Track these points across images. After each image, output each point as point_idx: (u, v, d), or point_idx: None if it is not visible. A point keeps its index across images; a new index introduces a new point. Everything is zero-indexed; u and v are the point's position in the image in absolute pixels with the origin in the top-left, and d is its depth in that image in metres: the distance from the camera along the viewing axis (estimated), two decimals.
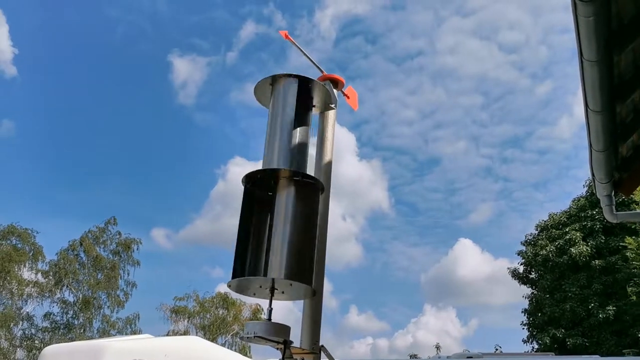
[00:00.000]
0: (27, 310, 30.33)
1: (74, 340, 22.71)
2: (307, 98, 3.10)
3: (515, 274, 23.70)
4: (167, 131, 46.93)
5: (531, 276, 23.35)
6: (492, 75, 47.18)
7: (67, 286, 30.41)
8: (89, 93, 45.01)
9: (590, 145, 4.33)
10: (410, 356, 24.33)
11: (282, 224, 2.68)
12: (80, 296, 30.40)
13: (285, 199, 2.74)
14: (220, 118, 47.98)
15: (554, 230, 22.40)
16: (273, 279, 2.62)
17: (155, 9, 46.30)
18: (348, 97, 3.53)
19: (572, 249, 20.66)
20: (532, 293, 22.84)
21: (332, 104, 3.33)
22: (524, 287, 23.48)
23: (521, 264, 23.53)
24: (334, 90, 3.37)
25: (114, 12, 46.44)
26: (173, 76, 46.13)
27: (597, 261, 20.32)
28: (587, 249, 20.44)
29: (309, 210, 2.77)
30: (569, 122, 41.67)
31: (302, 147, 2.98)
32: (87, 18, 45.36)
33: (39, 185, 43.82)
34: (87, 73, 45.55)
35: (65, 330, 29.78)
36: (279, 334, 2.61)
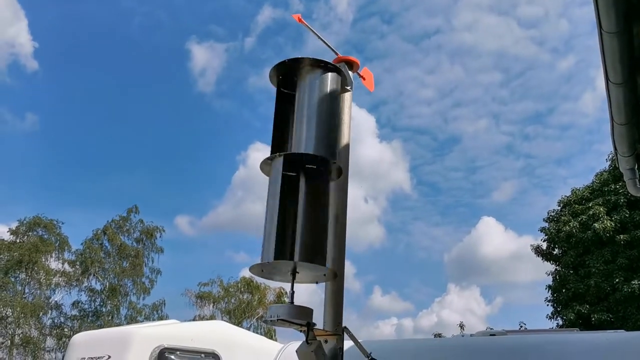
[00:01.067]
0: (56, 300, 31.03)
1: (103, 328, 23.15)
2: (330, 82, 3.09)
3: (538, 250, 23.50)
4: (187, 119, 47.28)
5: (555, 252, 23.15)
6: (512, 52, 46.47)
7: (94, 275, 30.99)
8: (109, 84, 45.47)
9: (612, 119, 4.26)
10: (434, 335, 24.41)
11: (301, 208, 2.70)
12: (107, 284, 30.96)
13: (302, 183, 2.76)
14: (240, 104, 48.10)
15: (576, 206, 22.13)
16: (295, 263, 2.64)
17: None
18: (364, 79, 3.51)
19: (595, 224, 20.40)
20: (556, 269, 22.65)
21: (348, 86, 3.31)
22: (547, 263, 23.31)
23: (544, 241, 23.33)
24: (350, 72, 3.35)
25: (129, 3, 46.60)
26: (192, 64, 46.39)
27: (621, 236, 20.05)
28: (611, 224, 20.17)
29: (324, 194, 2.78)
30: (592, 96, 40.97)
31: (332, 130, 2.98)
32: (103, 10, 45.68)
33: (62, 177, 44.56)
34: (106, 64, 46.02)
35: (93, 318, 30.40)
36: (301, 317, 2.63)
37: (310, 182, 2.76)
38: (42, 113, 43.05)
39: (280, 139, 3.01)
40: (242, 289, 32.26)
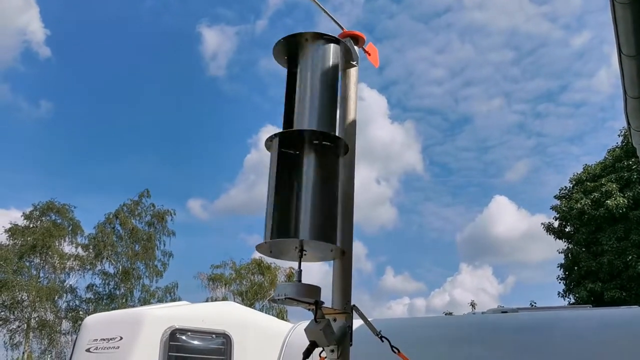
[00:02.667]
0: (70, 283, 31.41)
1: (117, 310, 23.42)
2: (332, 56, 3.02)
3: (550, 228, 23.38)
4: (199, 102, 47.33)
5: (567, 230, 23.03)
6: (523, 29, 45.91)
7: (107, 258, 31.30)
8: (120, 69, 45.59)
9: (625, 92, 4.17)
10: (445, 313, 24.47)
11: (306, 185, 2.66)
12: (120, 267, 31.28)
13: (306, 160, 2.71)
14: (250, 87, 48.02)
15: (588, 183, 21.95)
16: (301, 241, 2.60)
17: None
18: (369, 54, 3.44)
19: (608, 201, 20.24)
20: (568, 247, 22.55)
21: (353, 61, 3.25)
22: (559, 242, 23.21)
23: (556, 219, 23.19)
24: (355, 47, 3.28)
25: None
26: (203, 48, 46.31)
27: (634, 212, 19.89)
28: (623, 201, 20.00)
29: (328, 171, 2.73)
30: (606, 73, 40.42)
31: (332, 106, 2.92)
32: None
33: (76, 162, 44.94)
34: (118, 49, 46.04)
35: (107, 301, 30.78)
36: (309, 295, 2.60)
37: (316, 159, 2.71)
38: (55, 100, 43.35)
39: (290, 118, 2.96)
40: (253, 271, 32.46)
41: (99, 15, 46.41)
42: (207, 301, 28.70)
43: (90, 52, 45.17)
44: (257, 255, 32.85)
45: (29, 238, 29.96)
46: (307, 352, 2.66)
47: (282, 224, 2.66)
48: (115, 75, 45.86)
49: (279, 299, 2.59)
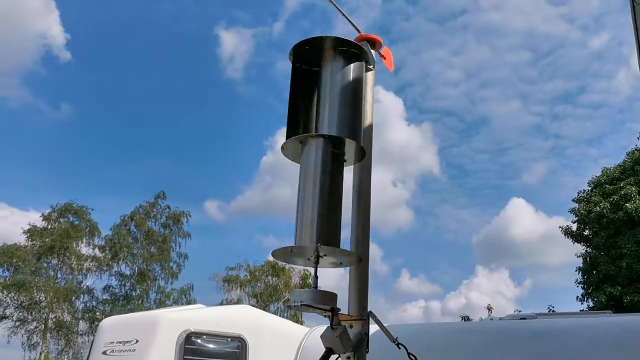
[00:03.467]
0: (87, 284, 31.68)
1: (133, 311, 23.58)
2: (352, 61, 2.99)
3: (568, 232, 23.10)
4: (215, 104, 47.68)
5: (585, 234, 22.73)
6: (541, 30, 45.54)
7: (123, 260, 31.52)
8: (138, 71, 46.06)
9: None
10: (462, 318, 24.28)
11: (318, 192, 2.63)
12: (136, 269, 31.48)
13: (323, 167, 2.69)
14: (266, 89, 48.18)
15: (607, 186, 21.66)
16: (317, 247, 2.57)
17: None
18: (384, 58, 3.40)
19: (627, 204, 19.95)
20: (586, 251, 22.26)
21: (370, 65, 3.21)
22: (577, 245, 22.91)
23: (574, 222, 22.91)
24: (372, 51, 3.25)
25: None
26: (220, 50, 46.64)
27: None
28: None
29: (334, 176, 2.70)
30: (625, 74, 39.93)
31: (355, 110, 2.88)
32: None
33: (93, 163, 45.49)
34: (136, 51, 46.62)
35: (124, 302, 30.99)
36: (325, 302, 2.57)
37: (332, 165, 2.68)
38: (75, 102, 43.96)
39: (294, 120, 2.92)
40: (268, 272, 32.49)
41: (117, 19, 47.00)
42: (222, 303, 28.82)
43: (109, 55, 45.90)
44: (271, 256, 32.88)
45: (47, 239, 30.29)
46: (324, 359, 2.64)
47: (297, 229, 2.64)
48: (134, 77, 46.45)
49: (295, 306, 2.57)
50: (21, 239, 30.28)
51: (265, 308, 28.67)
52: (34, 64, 41.56)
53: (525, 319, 4.39)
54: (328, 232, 2.57)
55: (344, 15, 3.23)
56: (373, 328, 2.85)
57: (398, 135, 41.26)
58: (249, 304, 22.61)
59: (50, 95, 44.21)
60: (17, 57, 44.21)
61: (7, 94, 44.09)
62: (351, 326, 2.77)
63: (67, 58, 40.92)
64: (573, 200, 23.28)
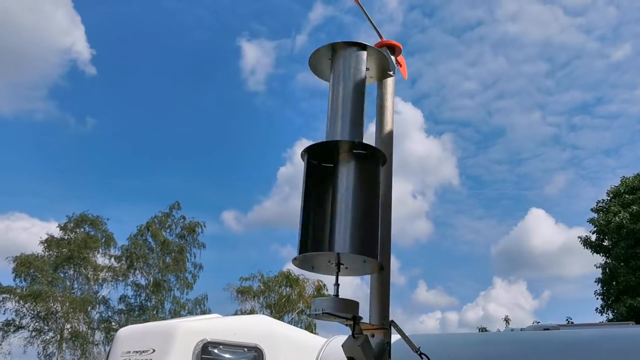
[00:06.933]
0: (103, 294, 31.80)
1: (148, 322, 23.62)
2: (366, 66, 2.96)
3: (587, 242, 22.77)
4: (235, 116, 48.17)
5: (604, 244, 22.39)
6: (557, 41, 45.33)
7: (139, 270, 31.62)
8: (160, 84, 46.90)
9: None
10: (479, 329, 24.00)
11: (345, 197, 2.58)
12: (151, 279, 31.56)
13: (346, 172, 2.64)
14: (286, 101, 48.52)
15: (627, 196, 21.35)
16: (338, 254, 2.53)
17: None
18: (400, 65, 3.38)
19: None
20: (606, 262, 21.92)
21: (390, 71, 3.18)
22: (597, 256, 22.57)
23: (593, 232, 22.58)
24: (392, 57, 3.22)
25: (172, 4, 47.56)
26: (241, 62, 47.19)
27: None
28: None
29: (370, 183, 2.65)
30: None
31: (363, 117, 2.86)
32: (149, 13, 46.86)
33: (115, 174, 46.20)
34: (158, 66, 47.42)
35: (139, 312, 31.05)
36: (347, 310, 2.53)
37: (355, 169, 2.64)
38: (100, 116, 44.78)
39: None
40: (281, 283, 32.41)
41: (140, 33, 48.13)
42: (236, 314, 28.77)
43: (132, 69, 46.96)
44: (285, 267, 32.85)
45: (63, 249, 30.50)
46: None
47: (316, 237, 2.59)
48: (156, 90, 47.24)
49: (316, 314, 2.52)
50: (39, 249, 30.59)
51: (279, 319, 28.56)
52: (61, 78, 42.56)
53: (548, 329, 4.30)
54: (350, 239, 2.52)
55: (369, 19, 3.20)
56: (394, 337, 2.79)
57: (417, 146, 41.17)
58: (263, 314, 22.55)
59: (76, 109, 45.31)
60: (45, 71, 45.61)
61: (35, 106, 45.04)
62: (373, 335, 2.72)
63: (93, 73, 41.78)
64: (592, 210, 23.00)
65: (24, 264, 29.25)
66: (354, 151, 2.64)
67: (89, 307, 30.43)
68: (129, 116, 46.71)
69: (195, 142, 47.53)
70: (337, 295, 2.58)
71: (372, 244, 2.56)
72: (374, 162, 2.69)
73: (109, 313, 31.56)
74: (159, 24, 48.38)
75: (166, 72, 47.73)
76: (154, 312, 30.72)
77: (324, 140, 2.76)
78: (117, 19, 47.33)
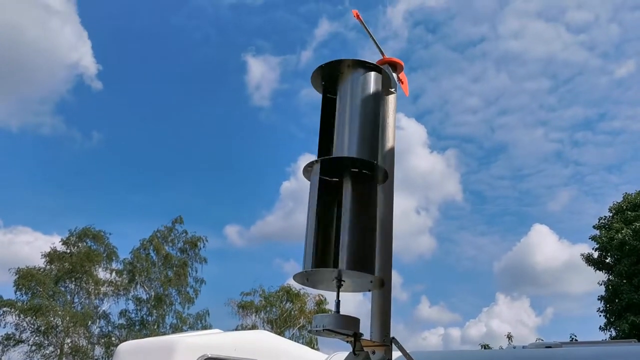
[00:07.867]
0: (104, 309, 31.67)
1: (149, 336, 23.48)
2: (373, 83, 2.99)
3: (589, 259, 22.68)
4: (239, 130, 48.31)
5: (607, 261, 22.29)
6: (560, 57, 45.46)
7: (140, 284, 31.53)
8: (164, 99, 47.20)
9: None
10: (482, 346, 23.81)
11: (344, 214, 2.60)
12: (153, 294, 31.45)
13: (344, 189, 2.66)
14: (290, 116, 48.67)
15: (629, 212, 21.29)
16: (339, 271, 2.54)
17: (218, 14, 47.57)
18: (402, 82, 3.41)
19: None
20: (609, 279, 21.80)
21: (392, 88, 3.21)
22: (599, 273, 22.45)
23: (595, 249, 22.49)
24: (394, 75, 3.25)
25: (179, 20, 48.03)
26: (246, 77, 47.53)
27: None
28: None
29: (367, 200, 2.67)
30: None
31: (373, 133, 2.87)
32: (155, 29, 47.34)
33: (118, 188, 46.28)
34: (163, 81, 47.71)
35: (140, 327, 30.89)
36: (348, 327, 2.53)
37: (355, 187, 2.65)
38: (104, 130, 45.01)
39: (325, 144, 2.93)
40: (282, 298, 32.27)
41: (146, 49, 48.39)
42: (237, 329, 28.60)
43: (138, 84, 47.30)
44: (286, 282, 32.73)
45: (65, 263, 30.45)
46: None
47: (321, 253, 2.60)
48: (161, 105, 47.52)
49: (317, 330, 2.52)
50: (41, 263, 30.54)
51: (280, 334, 28.38)
52: (67, 93, 42.83)
53: (550, 347, 4.28)
54: (352, 255, 2.53)
55: (372, 37, 3.23)
56: (395, 354, 2.79)
57: (421, 162, 41.23)
58: (264, 330, 22.41)
59: (82, 123, 45.66)
60: (52, 86, 45.94)
61: (42, 120, 45.35)
62: (374, 352, 2.72)
63: (99, 87, 42.09)
64: (594, 227, 22.92)
65: (25, 277, 29.19)
66: (352, 169, 2.66)
67: (90, 322, 30.29)
68: (135, 131, 47.03)
69: (200, 157, 47.69)
70: (338, 311, 2.59)
71: (370, 260, 2.57)
72: (373, 179, 2.71)
73: (110, 328, 31.43)
74: (165, 39, 48.80)
75: (172, 87, 48.04)
76: (155, 327, 30.56)
77: (330, 157, 2.79)
78: (123, 34, 47.85)
